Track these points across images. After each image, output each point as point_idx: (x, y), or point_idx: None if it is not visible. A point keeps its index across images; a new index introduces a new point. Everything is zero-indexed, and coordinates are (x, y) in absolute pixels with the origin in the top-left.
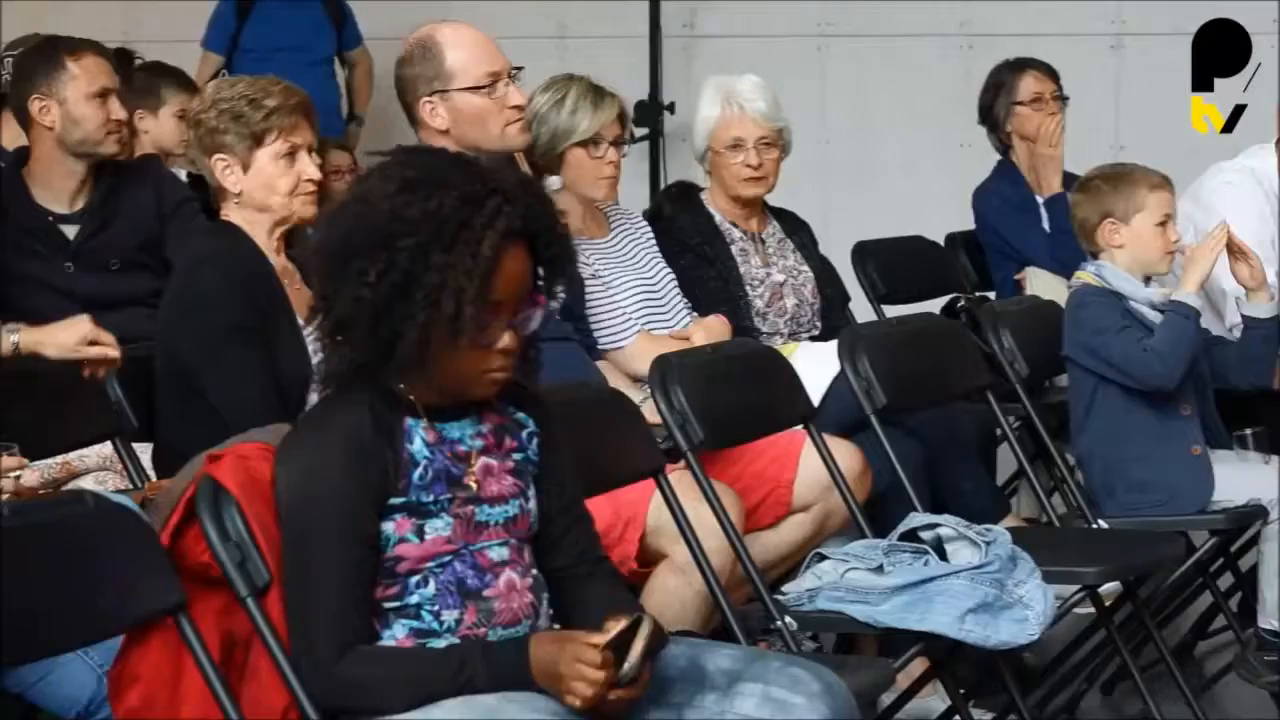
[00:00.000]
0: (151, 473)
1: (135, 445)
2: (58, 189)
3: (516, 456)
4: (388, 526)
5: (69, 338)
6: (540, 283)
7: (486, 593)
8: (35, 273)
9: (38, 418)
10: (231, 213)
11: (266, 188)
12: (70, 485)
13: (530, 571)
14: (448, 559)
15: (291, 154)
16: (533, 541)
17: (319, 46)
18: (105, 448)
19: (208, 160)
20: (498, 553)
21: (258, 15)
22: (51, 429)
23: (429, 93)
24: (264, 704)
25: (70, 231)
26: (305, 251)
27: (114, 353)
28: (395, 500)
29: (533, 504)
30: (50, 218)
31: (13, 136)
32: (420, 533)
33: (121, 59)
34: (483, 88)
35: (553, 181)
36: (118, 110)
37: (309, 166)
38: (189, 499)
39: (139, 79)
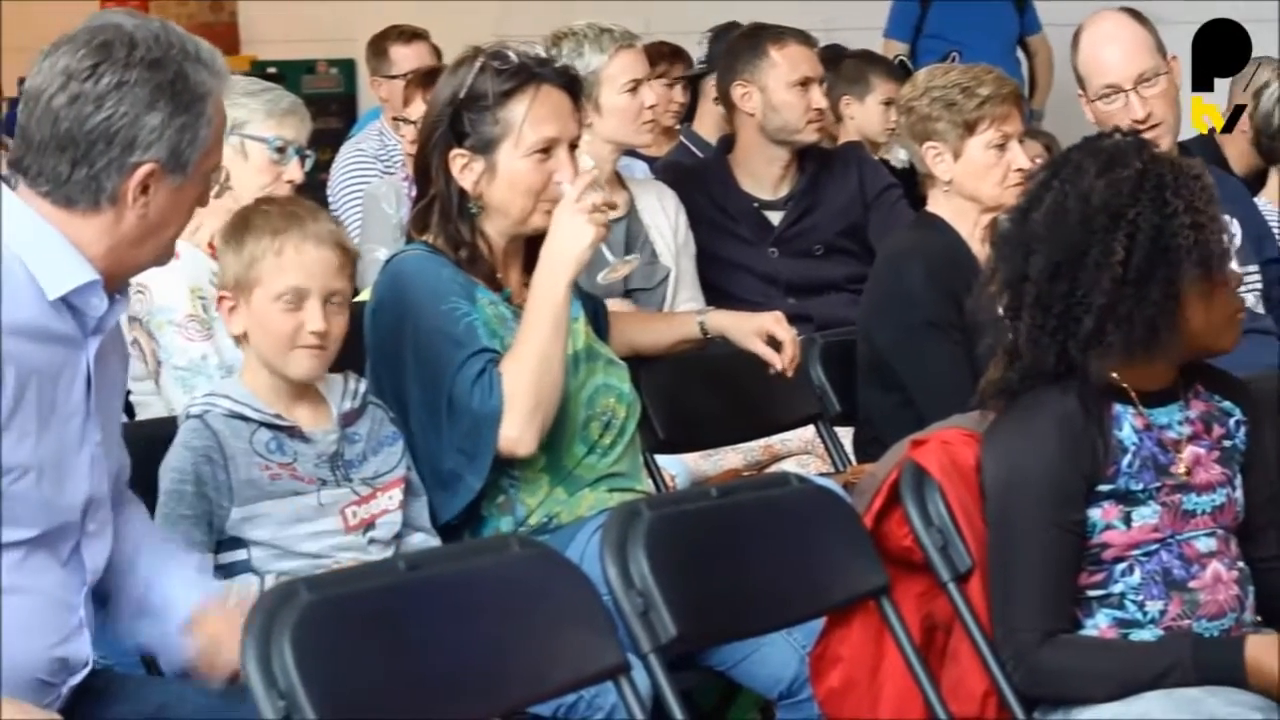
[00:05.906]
0: (853, 456)
1: (837, 429)
2: (761, 176)
3: (1225, 444)
4: (1094, 513)
5: (749, 325)
6: None
7: (1192, 584)
8: (738, 257)
9: (742, 401)
10: (939, 202)
11: (976, 176)
12: (773, 468)
13: (1236, 563)
14: (1153, 548)
15: (1002, 144)
16: (1236, 532)
17: (1003, 30)
18: (807, 431)
19: (919, 148)
20: (1204, 543)
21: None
22: (755, 412)
23: (1081, 88)
24: (963, 688)
25: (774, 218)
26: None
27: (779, 362)
28: (1103, 487)
29: (1239, 493)
30: (755, 204)
31: (710, 128)
32: (1127, 520)
33: (829, 50)
34: (1101, 97)
35: None
36: (818, 99)
37: (1019, 156)
38: (892, 483)
39: (849, 67)
